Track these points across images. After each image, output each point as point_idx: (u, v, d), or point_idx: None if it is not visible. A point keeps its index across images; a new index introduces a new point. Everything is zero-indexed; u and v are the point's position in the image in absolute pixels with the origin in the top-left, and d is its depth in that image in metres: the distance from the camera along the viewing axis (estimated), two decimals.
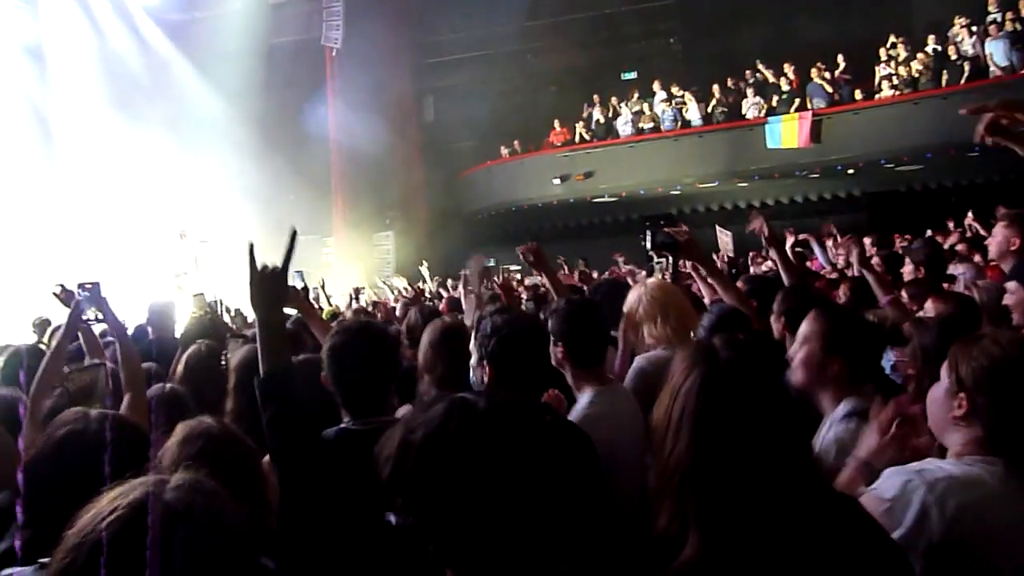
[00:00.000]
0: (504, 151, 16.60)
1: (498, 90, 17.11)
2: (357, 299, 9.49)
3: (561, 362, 2.47)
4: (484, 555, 1.05)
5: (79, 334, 3.42)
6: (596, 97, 16.01)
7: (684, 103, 14.84)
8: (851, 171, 13.68)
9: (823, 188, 14.64)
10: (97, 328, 3.46)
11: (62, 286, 3.58)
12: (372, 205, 17.08)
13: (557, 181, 15.53)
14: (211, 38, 15.52)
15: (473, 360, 2.25)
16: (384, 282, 11.30)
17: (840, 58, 13.66)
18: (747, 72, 14.56)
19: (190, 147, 14.62)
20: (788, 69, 13.97)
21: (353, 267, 15.91)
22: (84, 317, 3.23)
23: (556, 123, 16.28)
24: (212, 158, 14.53)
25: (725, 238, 6.80)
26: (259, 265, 1.87)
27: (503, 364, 2.17)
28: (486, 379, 2.17)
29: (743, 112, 14.29)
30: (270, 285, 1.85)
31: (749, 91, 14.31)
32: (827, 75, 13.56)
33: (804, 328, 2.19)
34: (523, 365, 2.19)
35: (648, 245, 3.62)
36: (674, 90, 15.16)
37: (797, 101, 13.70)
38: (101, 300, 3.22)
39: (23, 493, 1.52)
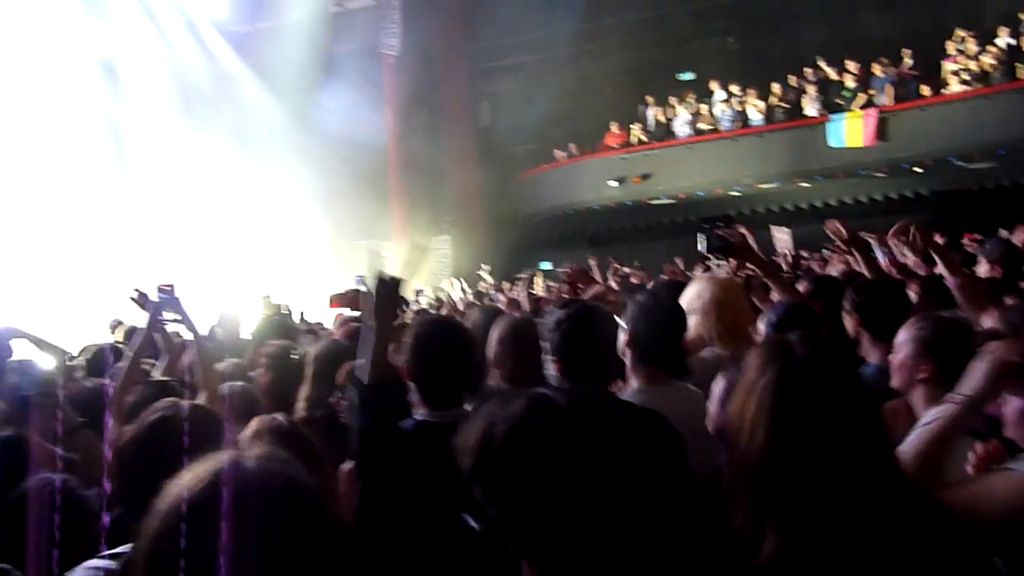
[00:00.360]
0: (560, 154, 16.58)
1: (553, 93, 17.07)
2: (418, 301, 9.59)
3: (623, 349, 2.46)
4: (563, 549, 1.07)
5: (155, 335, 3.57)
6: (650, 98, 15.87)
7: (744, 100, 14.57)
8: (919, 169, 13.25)
9: (889, 188, 14.16)
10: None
11: (139, 291, 3.73)
12: (429, 210, 17.25)
13: (614, 183, 15.40)
14: (273, 48, 15.94)
15: (546, 356, 2.28)
16: (444, 285, 11.40)
17: (905, 53, 13.26)
18: (807, 70, 14.22)
19: (254, 154, 15.03)
20: (851, 66, 13.62)
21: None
22: (161, 318, 3.38)
23: (612, 125, 16.19)
24: (274, 164, 14.92)
25: (784, 236, 6.62)
26: (382, 276, 1.94)
27: (569, 357, 2.19)
28: (556, 373, 2.18)
29: (803, 110, 13.98)
30: (389, 294, 1.91)
31: (810, 89, 13.99)
32: (892, 69, 13.19)
33: (900, 333, 2.21)
34: (588, 356, 2.19)
35: (702, 248, 3.60)
36: (733, 89, 14.93)
37: (861, 97, 13.35)
38: (176, 301, 3.36)
39: (117, 474, 1.61)
